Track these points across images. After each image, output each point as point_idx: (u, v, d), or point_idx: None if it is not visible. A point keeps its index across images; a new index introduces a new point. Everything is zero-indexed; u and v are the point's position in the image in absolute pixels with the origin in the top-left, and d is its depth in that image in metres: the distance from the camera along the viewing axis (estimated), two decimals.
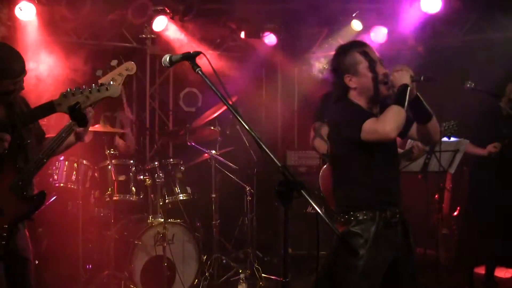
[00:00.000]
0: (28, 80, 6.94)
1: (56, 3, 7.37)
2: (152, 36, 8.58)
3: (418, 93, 3.76)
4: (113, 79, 3.70)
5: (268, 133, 9.78)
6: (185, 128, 7.17)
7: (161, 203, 6.52)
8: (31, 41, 7.53)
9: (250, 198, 7.38)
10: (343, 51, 3.82)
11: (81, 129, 3.82)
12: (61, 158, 6.35)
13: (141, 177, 6.63)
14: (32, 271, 3.99)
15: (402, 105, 3.55)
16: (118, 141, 7.16)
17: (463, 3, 7.38)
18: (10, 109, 3.86)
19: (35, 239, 5.26)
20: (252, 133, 2.75)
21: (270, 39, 8.82)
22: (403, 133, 3.89)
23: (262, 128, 9.80)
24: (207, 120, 7.20)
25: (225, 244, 7.66)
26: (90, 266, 6.54)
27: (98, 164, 6.59)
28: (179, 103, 9.31)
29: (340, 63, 3.80)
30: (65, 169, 6.40)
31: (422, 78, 3.68)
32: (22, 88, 3.87)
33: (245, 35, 8.85)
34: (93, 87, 3.22)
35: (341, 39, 8.28)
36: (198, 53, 3.06)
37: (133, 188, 6.60)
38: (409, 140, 5.60)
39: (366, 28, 8.06)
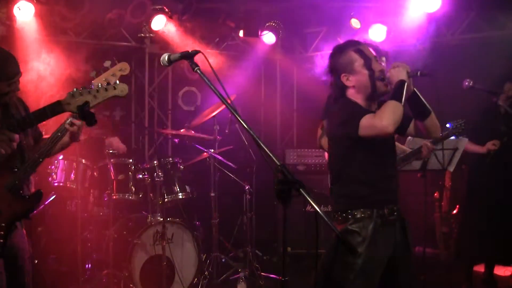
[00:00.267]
0: (27, 79, 7.00)
1: (55, 3, 7.37)
2: (151, 35, 8.59)
3: (415, 89, 3.78)
4: (106, 80, 3.71)
5: (267, 131, 9.80)
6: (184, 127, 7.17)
7: (160, 202, 6.52)
8: (30, 40, 7.53)
9: (249, 197, 7.38)
10: (338, 50, 3.85)
11: (74, 128, 3.82)
12: (60, 158, 6.35)
13: (140, 176, 6.62)
14: (29, 270, 4.03)
15: (399, 100, 3.56)
16: (118, 143, 7.15)
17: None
18: (6, 110, 3.90)
19: (34, 238, 5.28)
20: (251, 132, 2.75)
21: (269, 38, 8.81)
22: (402, 130, 3.91)
23: (261, 127, 9.81)
24: (206, 119, 7.19)
25: (224, 243, 7.65)
26: (89, 265, 6.54)
27: (97, 163, 6.59)
28: (178, 102, 9.31)
29: (336, 62, 3.82)
30: (64, 169, 6.41)
31: (418, 73, 3.71)
32: (18, 89, 3.93)
33: (244, 34, 8.84)
34: (100, 86, 3.22)
35: (340, 38, 8.29)
36: (196, 52, 3.06)
37: (132, 187, 6.60)
38: (408, 137, 5.61)
39: (365, 26, 8.05)
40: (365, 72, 3.72)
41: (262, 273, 7.11)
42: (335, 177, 3.87)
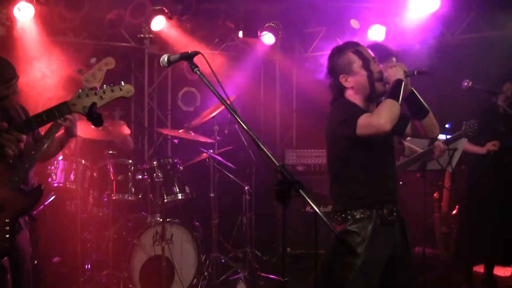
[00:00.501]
0: (27, 80, 7.00)
1: (55, 3, 7.37)
2: (150, 35, 8.58)
3: (413, 89, 3.79)
4: (93, 75, 3.80)
5: (266, 132, 9.80)
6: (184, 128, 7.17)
7: (159, 203, 6.53)
8: (29, 41, 7.54)
9: (248, 198, 7.39)
10: (337, 51, 3.88)
11: (67, 123, 3.87)
12: (60, 158, 6.36)
13: (140, 176, 6.62)
14: (29, 270, 4.12)
15: (396, 99, 3.57)
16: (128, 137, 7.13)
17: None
18: (6, 113, 3.96)
19: (33, 239, 5.28)
20: (250, 133, 2.75)
21: (268, 38, 8.81)
22: (400, 130, 3.91)
23: (260, 128, 9.81)
24: (205, 119, 7.19)
25: (223, 244, 7.65)
26: (89, 266, 6.54)
27: (96, 164, 6.59)
28: (177, 102, 9.32)
29: (335, 63, 3.85)
30: (63, 169, 6.41)
31: (415, 72, 3.73)
32: (16, 92, 4.00)
33: (243, 34, 8.85)
34: (106, 87, 3.25)
35: (340, 38, 8.29)
36: (196, 53, 3.07)
37: (131, 187, 6.60)
38: (407, 138, 5.60)
39: (365, 27, 8.05)
40: (364, 73, 3.75)
41: (261, 274, 7.12)
42: (335, 178, 3.87)
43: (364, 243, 3.61)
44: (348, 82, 3.79)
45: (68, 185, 6.38)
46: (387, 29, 7.94)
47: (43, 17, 7.41)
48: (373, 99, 3.80)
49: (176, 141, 7.94)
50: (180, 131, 7.19)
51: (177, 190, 6.71)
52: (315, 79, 8.58)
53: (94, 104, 3.23)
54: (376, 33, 7.93)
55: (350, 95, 3.81)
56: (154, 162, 6.64)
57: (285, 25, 8.78)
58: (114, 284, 6.28)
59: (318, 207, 2.59)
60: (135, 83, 9.05)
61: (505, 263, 7.08)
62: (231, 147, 7.48)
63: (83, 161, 6.46)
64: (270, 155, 2.69)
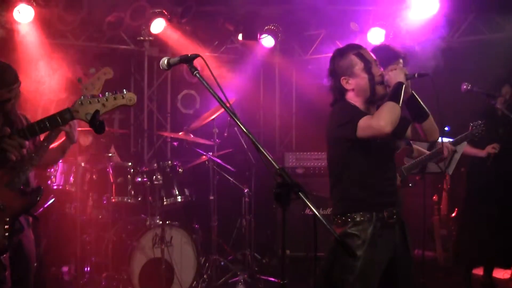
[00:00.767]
0: (26, 82, 6.99)
1: (54, 6, 7.37)
2: (150, 38, 8.58)
3: (413, 92, 3.80)
4: (92, 84, 3.88)
5: (266, 135, 9.80)
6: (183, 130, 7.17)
7: (159, 205, 6.53)
8: (29, 43, 7.54)
9: (248, 200, 7.39)
10: (339, 54, 3.89)
11: (67, 128, 4.00)
12: (59, 161, 6.36)
13: (139, 179, 6.63)
14: (33, 270, 4.24)
15: (397, 101, 3.58)
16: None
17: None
18: (7, 118, 4.03)
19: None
20: (250, 135, 2.76)
21: (267, 41, 8.81)
22: (401, 133, 3.92)
23: (260, 130, 9.82)
24: (205, 122, 7.19)
25: (223, 246, 7.65)
26: (89, 268, 6.54)
27: (96, 166, 6.60)
28: (177, 105, 9.31)
29: (336, 65, 3.86)
30: (63, 172, 6.42)
31: (416, 75, 3.74)
32: (18, 96, 4.07)
33: (243, 37, 8.84)
34: (109, 94, 3.27)
35: (339, 41, 8.30)
36: (196, 56, 3.07)
37: (131, 190, 6.60)
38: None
39: (365, 30, 8.06)
40: (365, 76, 3.76)
41: (261, 276, 7.12)
42: (335, 180, 3.88)
43: (364, 246, 3.61)
44: (349, 84, 3.80)
45: (67, 188, 6.39)
46: (386, 32, 7.94)
47: (42, 20, 7.41)
48: (373, 102, 3.80)
49: (175, 143, 7.94)
50: (179, 133, 7.19)
51: (177, 192, 6.72)
52: (315, 82, 8.60)
53: (97, 111, 3.25)
54: (375, 36, 7.93)
55: (351, 97, 3.82)
56: (154, 165, 6.65)
57: (285, 27, 8.78)
58: (113, 287, 6.29)
59: (318, 210, 2.59)
60: (134, 85, 9.06)
61: (505, 266, 7.09)
62: (230, 150, 7.48)
63: (82, 164, 6.47)
64: (269, 158, 2.70)
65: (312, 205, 2.58)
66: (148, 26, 8.14)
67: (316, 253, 2.91)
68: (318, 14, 8.28)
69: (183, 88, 9.32)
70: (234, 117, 2.85)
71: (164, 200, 6.59)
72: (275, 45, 9.04)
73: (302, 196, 2.59)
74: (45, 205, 6.42)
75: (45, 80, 7.59)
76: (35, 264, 4.64)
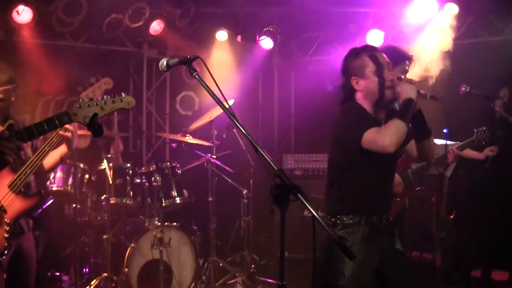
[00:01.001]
0: (26, 83, 6.99)
1: (53, 7, 7.38)
2: (149, 39, 8.59)
3: (421, 109, 3.79)
4: (93, 93, 3.97)
5: (264, 136, 9.79)
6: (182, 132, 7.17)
7: (158, 207, 6.53)
8: (28, 45, 7.55)
9: (246, 202, 7.39)
10: (353, 53, 3.87)
11: (68, 134, 4.17)
12: (57, 167, 6.35)
13: (138, 180, 6.63)
14: (34, 274, 4.30)
15: (405, 120, 3.57)
16: (119, 144, 7.18)
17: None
18: (5, 120, 4.13)
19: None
20: (249, 137, 2.76)
21: (266, 42, 8.82)
22: (402, 143, 3.92)
23: (258, 132, 9.81)
24: (203, 123, 7.18)
25: (221, 248, 7.65)
26: (87, 270, 6.54)
27: (94, 168, 6.60)
28: (175, 106, 9.31)
29: (349, 65, 3.86)
30: (61, 173, 6.41)
31: (428, 96, 3.75)
32: (11, 97, 4.13)
33: (242, 39, 8.85)
34: (107, 98, 3.28)
35: (338, 43, 8.31)
36: (195, 58, 3.07)
37: (130, 191, 6.61)
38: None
39: (363, 32, 8.07)
40: (375, 79, 3.74)
41: (259, 278, 7.12)
42: (332, 180, 3.88)
43: (353, 248, 3.60)
44: (359, 85, 3.79)
45: (66, 189, 6.38)
46: (385, 34, 7.95)
47: (41, 21, 7.42)
48: (381, 105, 3.79)
49: (174, 145, 7.94)
50: (178, 135, 7.19)
51: (175, 194, 6.72)
52: (314, 84, 8.60)
53: (95, 114, 3.25)
54: (374, 38, 7.94)
55: (360, 98, 3.82)
56: (152, 166, 6.65)
57: (284, 29, 8.79)
58: None
59: (316, 212, 2.60)
60: (133, 87, 9.06)
61: (503, 267, 7.09)
62: (229, 151, 7.48)
63: (81, 165, 6.47)
64: (268, 160, 2.70)
65: (311, 207, 2.59)
66: (147, 28, 8.14)
67: (315, 254, 2.91)
68: (317, 16, 8.30)
69: (182, 89, 9.33)
70: (233, 119, 2.85)
71: (163, 201, 6.58)
72: (274, 47, 9.05)
73: (301, 198, 2.59)
74: (44, 206, 6.41)
75: (43, 81, 7.60)
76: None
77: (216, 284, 6.91)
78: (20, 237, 4.09)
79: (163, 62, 3.16)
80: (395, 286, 3.80)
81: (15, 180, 3.95)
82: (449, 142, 5.87)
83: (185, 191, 6.83)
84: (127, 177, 6.62)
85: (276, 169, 2.66)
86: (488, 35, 7.75)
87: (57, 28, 7.64)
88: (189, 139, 7.00)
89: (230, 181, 7.41)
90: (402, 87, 3.70)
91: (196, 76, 3.00)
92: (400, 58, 4.47)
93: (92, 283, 6.22)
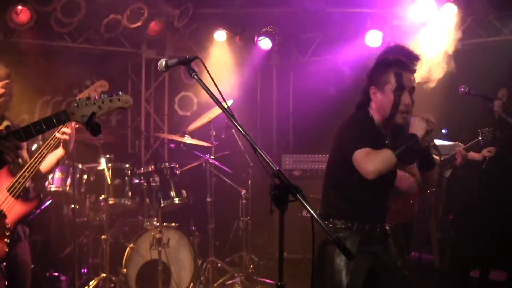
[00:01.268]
0: (24, 83, 7.00)
1: (52, 8, 7.37)
2: (148, 40, 8.59)
3: (428, 146, 3.78)
4: (89, 95, 3.98)
5: (263, 137, 9.80)
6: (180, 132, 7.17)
7: (156, 207, 6.53)
8: (26, 45, 7.54)
9: (245, 202, 7.39)
10: (383, 63, 3.82)
11: (66, 137, 4.17)
12: (54, 170, 6.35)
13: (137, 181, 6.64)
14: (29, 281, 4.28)
15: (397, 155, 3.53)
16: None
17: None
18: (1, 120, 4.15)
19: (30, 243, 5.28)
20: (248, 137, 2.76)
21: (265, 43, 8.82)
22: (410, 161, 3.94)
23: (257, 132, 9.82)
24: (202, 124, 7.18)
25: (220, 248, 7.65)
26: (85, 270, 6.54)
27: (93, 168, 6.59)
28: (174, 107, 9.31)
29: (374, 73, 3.83)
30: (60, 173, 6.41)
31: (432, 143, 3.74)
32: (12, 91, 4.18)
33: (240, 39, 8.85)
34: (104, 97, 3.29)
35: (337, 44, 8.31)
36: (194, 58, 3.07)
37: (128, 192, 6.61)
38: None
39: (362, 32, 8.06)
40: (391, 98, 3.71)
41: (258, 278, 7.12)
42: (328, 183, 3.90)
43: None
44: (375, 96, 3.78)
45: (64, 190, 6.38)
46: (384, 35, 7.95)
47: (40, 22, 7.41)
48: (389, 125, 3.78)
49: (172, 145, 7.94)
50: (177, 135, 7.19)
51: (174, 194, 6.72)
52: (312, 84, 8.61)
53: (93, 113, 3.26)
54: (373, 39, 7.94)
55: (372, 108, 3.82)
56: (151, 167, 6.65)
57: (282, 30, 8.79)
58: None
59: (315, 212, 2.60)
60: (132, 87, 9.06)
61: (501, 268, 7.09)
62: (228, 152, 7.48)
63: (80, 165, 6.47)
64: (267, 160, 2.70)
65: (310, 207, 2.59)
66: (146, 28, 8.14)
67: (314, 255, 2.91)
68: (316, 16, 8.30)
69: (180, 90, 9.32)
70: (232, 119, 2.85)
71: (162, 202, 6.59)
72: (272, 48, 9.04)
73: (300, 198, 2.59)
74: (42, 207, 6.41)
75: (42, 81, 7.60)
76: (32, 266, 4.67)
77: (215, 285, 6.91)
78: (16, 244, 4.06)
79: (162, 62, 3.16)
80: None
81: (14, 184, 3.95)
82: (448, 143, 5.89)
83: (183, 192, 6.83)
84: (126, 178, 6.62)
85: (275, 169, 2.66)
86: (487, 35, 7.76)
87: (56, 29, 7.63)
88: (188, 139, 6.99)
89: (228, 181, 7.41)
90: (414, 120, 3.65)
91: (195, 76, 3.00)
92: (408, 58, 4.44)
93: (91, 283, 6.23)
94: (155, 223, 6.45)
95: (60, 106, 7.88)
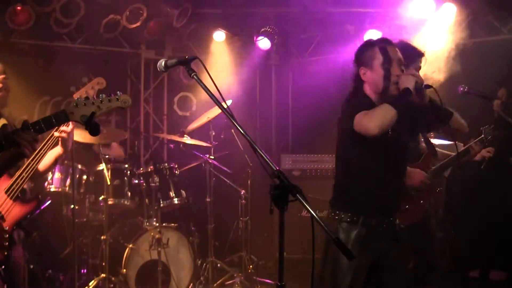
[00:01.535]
0: (24, 83, 6.99)
1: (51, 8, 7.37)
2: (147, 40, 8.58)
3: (431, 97, 3.79)
4: (86, 93, 3.97)
5: (262, 137, 9.79)
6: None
7: (156, 207, 6.52)
8: (25, 46, 7.54)
9: (244, 202, 7.38)
10: (367, 44, 3.87)
11: (64, 135, 4.11)
12: (51, 170, 6.34)
13: (136, 181, 6.63)
14: (26, 282, 4.31)
15: (395, 106, 3.53)
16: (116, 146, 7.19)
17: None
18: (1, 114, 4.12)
19: (29, 244, 5.28)
20: (247, 137, 2.75)
21: (264, 43, 8.81)
22: (444, 121, 3.94)
23: (256, 132, 9.81)
24: (201, 124, 7.18)
25: (219, 248, 7.64)
26: (85, 271, 6.53)
27: (92, 169, 6.59)
28: (173, 107, 9.31)
29: (360, 54, 3.85)
30: (59, 174, 6.40)
31: (423, 85, 3.71)
32: (8, 86, 4.19)
33: (239, 39, 8.85)
34: (103, 96, 3.28)
35: (336, 43, 8.30)
36: (193, 58, 3.07)
37: (128, 192, 6.60)
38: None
39: (361, 32, 8.06)
40: (381, 72, 3.71)
41: (257, 278, 7.11)
42: (336, 176, 3.89)
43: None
44: (365, 76, 3.78)
45: (64, 190, 6.37)
46: (383, 34, 7.94)
47: (39, 22, 7.41)
48: (385, 99, 3.74)
49: (172, 146, 7.93)
50: (176, 135, 7.19)
51: (173, 194, 6.71)
52: (312, 84, 8.60)
53: (93, 113, 3.26)
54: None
55: (367, 89, 3.80)
56: (150, 167, 6.64)
57: (281, 30, 8.79)
58: None
59: (315, 212, 2.59)
60: (131, 87, 9.06)
61: (500, 267, 7.10)
62: (227, 152, 7.48)
63: (79, 166, 6.46)
64: (267, 160, 2.70)
65: (309, 207, 2.58)
66: (145, 29, 8.14)
67: (314, 255, 2.91)
68: (315, 16, 8.29)
69: (179, 90, 9.32)
70: (231, 119, 2.85)
71: (161, 202, 6.58)
72: (271, 47, 9.04)
73: (300, 198, 2.59)
74: (41, 207, 6.39)
75: (41, 81, 7.59)
76: (31, 266, 4.69)
77: (214, 285, 6.91)
78: (11, 248, 3.98)
79: (161, 62, 3.16)
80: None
81: (12, 185, 3.90)
82: (447, 142, 5.89)
83: (183, 192, 6.82)
84: (125, 178, 6.61)
85: (275, 169, 2.66)
86: (486, 35, 7.76)
87: (55, 29, 7.63)
88: (187, 139, 6.99)
89: (228, 181, 7.40)
90: (401, 78, 3.68)
91: (195, 76, 3.00)
92: (413, 54, 4.44)
93: (90, 284, 6.23)
94: (154, 223, 6.45)
95: (59, 107, 7.87)
